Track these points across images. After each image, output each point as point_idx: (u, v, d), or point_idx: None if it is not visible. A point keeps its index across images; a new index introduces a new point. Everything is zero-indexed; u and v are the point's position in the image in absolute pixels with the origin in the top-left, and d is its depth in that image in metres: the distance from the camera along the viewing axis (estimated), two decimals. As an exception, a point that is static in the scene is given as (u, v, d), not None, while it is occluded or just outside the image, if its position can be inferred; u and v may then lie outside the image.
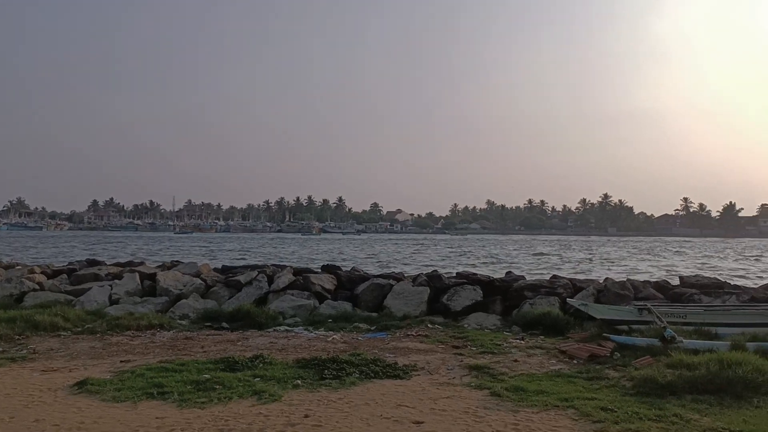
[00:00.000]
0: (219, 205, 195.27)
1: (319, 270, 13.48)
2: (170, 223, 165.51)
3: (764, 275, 30.02)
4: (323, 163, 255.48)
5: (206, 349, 8.15)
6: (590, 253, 54.27)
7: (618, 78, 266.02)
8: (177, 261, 16.14)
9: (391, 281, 11.99)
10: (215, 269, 14.19)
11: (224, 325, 9.94)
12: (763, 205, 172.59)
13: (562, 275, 14.27)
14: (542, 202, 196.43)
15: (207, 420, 5.10)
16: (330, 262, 15.60)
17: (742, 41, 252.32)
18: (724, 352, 6.77)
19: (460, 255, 48.27)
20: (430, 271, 13.41)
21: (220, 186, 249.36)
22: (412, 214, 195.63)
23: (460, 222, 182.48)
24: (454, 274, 12.99)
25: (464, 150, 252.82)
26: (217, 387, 6.01)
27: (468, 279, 11.95)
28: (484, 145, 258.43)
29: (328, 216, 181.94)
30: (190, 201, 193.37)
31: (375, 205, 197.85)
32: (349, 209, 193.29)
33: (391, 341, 8.79)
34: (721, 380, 5.94)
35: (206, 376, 6.40)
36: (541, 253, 51.98)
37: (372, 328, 9.84)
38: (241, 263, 20.92)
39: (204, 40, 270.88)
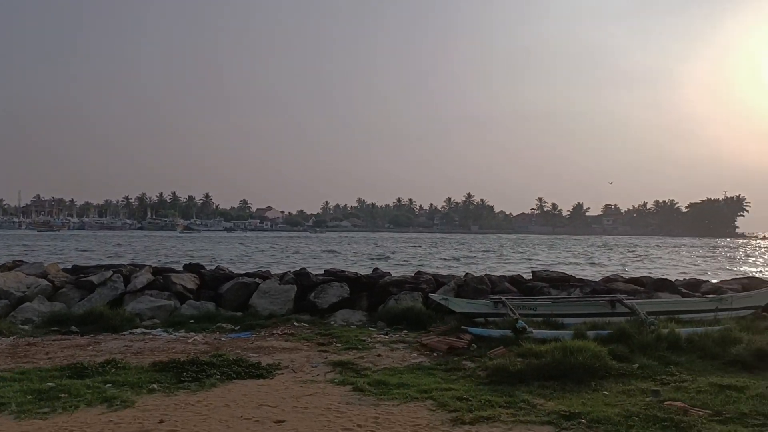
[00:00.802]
0: (72, 201, 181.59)
1: (181, 269, 12.94)
2: (15, 220, 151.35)
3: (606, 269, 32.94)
4: (189, 159, 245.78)
5: (51, 355, 7.55)
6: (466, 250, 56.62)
7: (481, 83, 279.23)
8: (20, 261, 14.79)
9: (258, 280, 11.77)
10: (65, 269, 13.17)
11: (73, 329, 9.27)
12: (606, 205, 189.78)
13: (428, 272, 14.73)
14: (411, 200, 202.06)
15: (49, 431, 4.72)
16: (195, 262, 15.00)
17: (583, 50, 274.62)
18: (568, 340, 7.31)
19: (331, 253, 48.47)
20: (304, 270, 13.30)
21: (74, 180, 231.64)
22: (282, 212, 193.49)
23: (331, 220, 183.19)
24: (323, 272, 12.99)
25: (337, 148, 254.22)
26: (63, 396, 5.58)
27: (336, 276, 12.01)
28: (356, 143, 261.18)
29: (193, 213, 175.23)
30: (38, 196, 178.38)
31: (244, 203, 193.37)
32: (217, 206, 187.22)
33: (255, 341, 8.63)
34: (565, 367, 6.41)
35: (50, 384, 5.92)
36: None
37: (236, 328, 9.61)
38: (94, 263, 19.56)
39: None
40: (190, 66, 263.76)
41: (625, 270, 32.32)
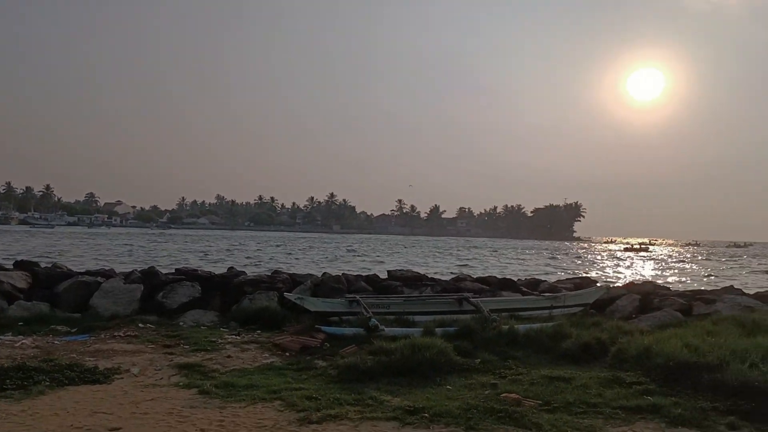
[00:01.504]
0: None
1: (12, 267, 11.77)
2: None
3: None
4: (27, 146, 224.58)
5: None
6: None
7: (346, 83, 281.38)
8: None
9: (99, 278, 10.99)
10: None
11: None
12: (461, 208, 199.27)
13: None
14: (272, 198, 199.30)
15: None
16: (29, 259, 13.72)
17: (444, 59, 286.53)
18: (417, 337, 7.55)
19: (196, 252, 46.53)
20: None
21: None
22: (134, 207, 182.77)
23: (187, 216, 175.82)
24: (174, 271, 12.41)
25: (195, 145, 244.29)
26: None
27: (187, 275, 11.52)
28: (217, 141, 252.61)
29: (31, 206, 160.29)
30: None
31: (91, 196, 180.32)
32: (59, 199, 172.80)
33: (93, 343, 8.04)
34: (413, 363, 6.62)
35: None
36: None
37: (73, 330, 8.90)
38: None
39: None
40: (28, 43, 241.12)
41: (465, 268, 34.15)
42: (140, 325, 9.32)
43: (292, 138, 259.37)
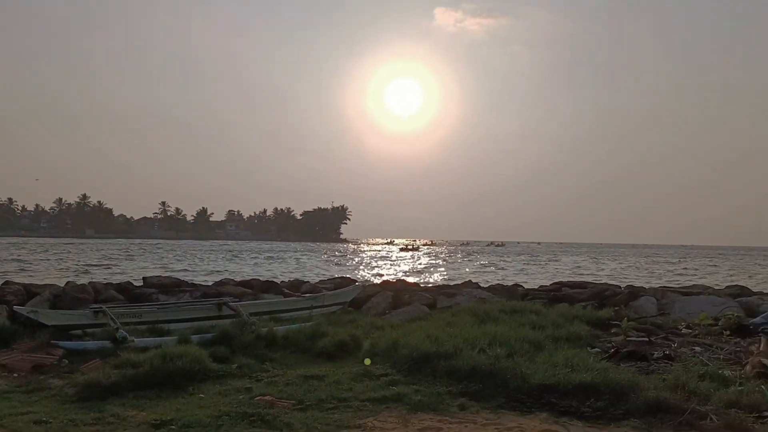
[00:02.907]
0: None
1: None
2: None
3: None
4: None
5: None
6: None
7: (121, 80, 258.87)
8: None
9: None
10: None
11: None
12: (230, 211, 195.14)
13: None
14: (10, 200, 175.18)
15: None
16: None
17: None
18: (171, 346, 7.17)
19: None
20: None
21: None
22: None
23: None
24: None
25: None
26: None
27: None
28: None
29: None
30: None
31: None
32: None
33: None
34: (163, 374, 6.27)
35: None
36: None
37: None
38: None
39: None
40: None
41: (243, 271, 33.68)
42: None
43: (36, 133, 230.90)
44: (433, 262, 63.27)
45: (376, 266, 52.36)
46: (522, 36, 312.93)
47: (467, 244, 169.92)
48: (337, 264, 53.81)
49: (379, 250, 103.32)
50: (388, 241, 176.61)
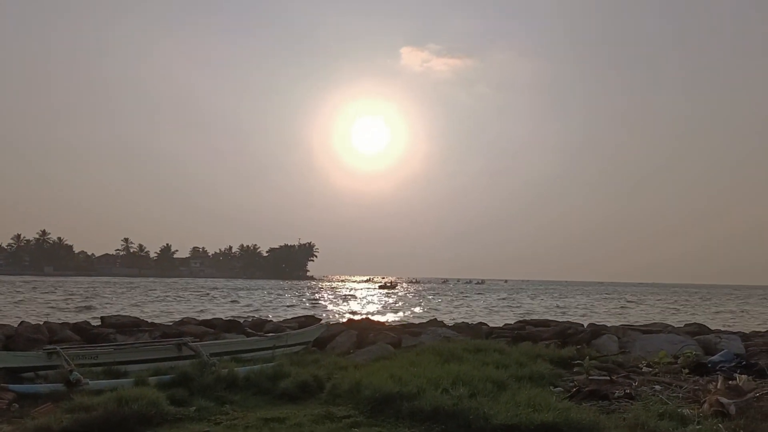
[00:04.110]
0: None
1: None
2: None
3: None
4: None
5: None
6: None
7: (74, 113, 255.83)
8: None
9: None
10: None
11: None
12: (194, 247, 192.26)
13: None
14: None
15: None
16: None
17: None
18: (127, 389, 6.96)
19: None
20: None
21: None
22: None
23: None
24: None
25: None
26: None
27: None
28: None
29: None
30: None
31: None
32: None
33: None
34: (117, 418, 6.07)
35: None
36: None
37: None
38: None
39: None
40: None
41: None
42: None
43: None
44: (411, 299, 62.98)
45: (348, 303, 51.98)
46: (486, 76, 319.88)
47: (446, 281, 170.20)
48: (307, 302, 53.22)
49: (366, 287, 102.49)
50: (367, 278, 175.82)
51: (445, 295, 74.64)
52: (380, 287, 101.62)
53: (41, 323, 11.04)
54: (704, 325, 14.15)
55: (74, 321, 12.66)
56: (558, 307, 50.93)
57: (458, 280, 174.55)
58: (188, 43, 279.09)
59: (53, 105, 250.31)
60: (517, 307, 49.91)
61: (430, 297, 68.10)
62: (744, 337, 12.53)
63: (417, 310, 43.10)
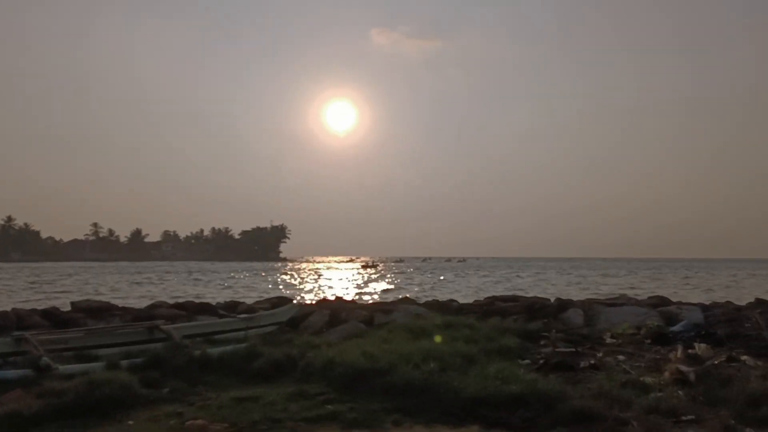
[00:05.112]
0: None
1: None
2: None
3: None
4: None
5: None
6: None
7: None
8: None
9: None
10: None
11: None
12: (166, 231, 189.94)
13: None
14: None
15: None
16: None
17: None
18: (98, 373, 6.94)
19: None
20: None
21: None
22: None
23: None
24: None
25: None
26: None
27: None
28: None
29: None
30: None
31: None
32: None
33: None
34: (90, 401, 6.06)
35: None
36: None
37: None
38: None
39: None
40: None
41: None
42: None
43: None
44: (391, 278, 63.19)
45: (326, 285, 52.03)
46: (456, 58, 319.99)
47: (426, 260, 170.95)
48: (281, 283, 53.11)
49: (348, 268, 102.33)
50: (349, 259, 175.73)
51: (425, 273, 75.17)
52: (362, 267, 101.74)
53: (8, 310, 10.85)
54: (666, 297, 14.54)
55: (43, 307, 12.48)
56: (528, 282, 51.66)
57: (441, 259, 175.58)
58: (158, 30, 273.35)
59: (20, 90, 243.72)
60: (498, 282, 50.50)
61: (412, 275, 68.65)
62: (704, 308, 12.91)
63: (393, 287, 43.38)
